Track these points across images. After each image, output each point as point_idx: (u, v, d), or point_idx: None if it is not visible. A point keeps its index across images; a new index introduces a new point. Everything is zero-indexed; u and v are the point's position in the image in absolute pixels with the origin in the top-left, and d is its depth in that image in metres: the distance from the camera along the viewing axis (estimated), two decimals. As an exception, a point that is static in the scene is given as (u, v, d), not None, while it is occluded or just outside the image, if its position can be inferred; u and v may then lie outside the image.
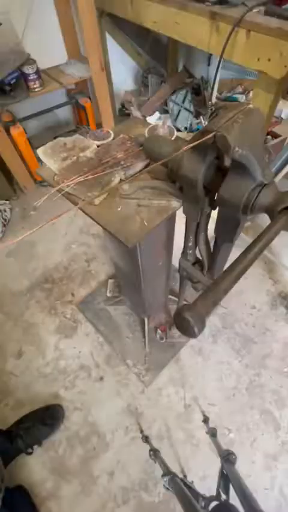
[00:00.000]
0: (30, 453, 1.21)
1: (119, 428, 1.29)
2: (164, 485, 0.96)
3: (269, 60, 1.12)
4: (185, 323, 0.33)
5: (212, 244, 0.77)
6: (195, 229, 0.77)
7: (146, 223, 0.68)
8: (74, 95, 2.21)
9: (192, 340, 1.48)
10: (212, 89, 1.78)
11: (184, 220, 0.77)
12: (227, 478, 0.85)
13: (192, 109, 2.35)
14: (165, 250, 1.02)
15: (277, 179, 1.50)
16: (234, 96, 2.53)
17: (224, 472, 0.87)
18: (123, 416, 1.31)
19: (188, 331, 0.34)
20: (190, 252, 0.85)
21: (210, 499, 0.80)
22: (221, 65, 1.34)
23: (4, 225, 1.98)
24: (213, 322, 1.55)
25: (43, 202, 0.70)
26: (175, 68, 2.69)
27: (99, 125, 2.37)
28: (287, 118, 2.34)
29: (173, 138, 0.80)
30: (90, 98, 2.19)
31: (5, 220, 2.01)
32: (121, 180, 0.76)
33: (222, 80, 2.51)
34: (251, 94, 2.47)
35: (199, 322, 0.33)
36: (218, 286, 0.36)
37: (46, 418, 1.23)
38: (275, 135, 2.05)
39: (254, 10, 1.15)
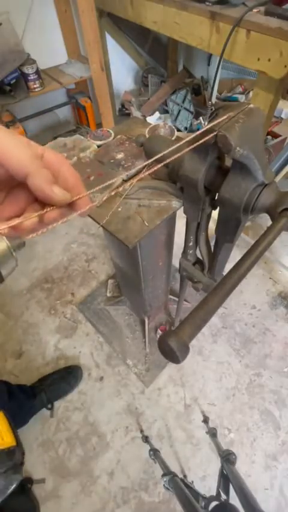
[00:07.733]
0: (50, 409, 1.30)
1: (119, 428, 1.29)
2: (164, 485, 0.97)
3: (269, 60, 1.12)
4: (169, 350, 0.35)
5: (212, 244, 0.77)
6: (195, 229, 0.77)
7: (146, 223, 0.68)
8: (74, 95, 2.21)
9: (192, 341, 1.48)
10: (212, 89, 1.78)
11: (184, 220, 0.77)
12: (227, 478, 0.85)
13: (192, 109, 2.34)
14: (166, 250, 1.02)
15: (277, 179, 1.50)
16: (234, 96, 2.53)
17: (224, 472, 0.87)
18: (123, 416, 1.31)
19: (171, 357, 0.36)
20: (190, 252, 0.85)
21: (210, 499, 0.80)
22: (221, 65, 1.34)
23: (4, 225, 1.98)
24: (213, 322, 1.55)
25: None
26: (175, 68, 2.69)
27: (99, 125, 2.37)
28: (287, 118, 2.34)
29: (173, 138, 0.80)
30: (90, 98, 2.19)
31: (5, 220, 2.01)
32: (122, 180, 0.76)
33: (222, 80, 2.51)
34: (251, 94, 2.47)
35: (182, 349, 0.35)
36: (203, 308, 0.37)
37: (67, 376, 1.35)
38: (275, 135, 2.05)
39: (254, 10, 1.15)
